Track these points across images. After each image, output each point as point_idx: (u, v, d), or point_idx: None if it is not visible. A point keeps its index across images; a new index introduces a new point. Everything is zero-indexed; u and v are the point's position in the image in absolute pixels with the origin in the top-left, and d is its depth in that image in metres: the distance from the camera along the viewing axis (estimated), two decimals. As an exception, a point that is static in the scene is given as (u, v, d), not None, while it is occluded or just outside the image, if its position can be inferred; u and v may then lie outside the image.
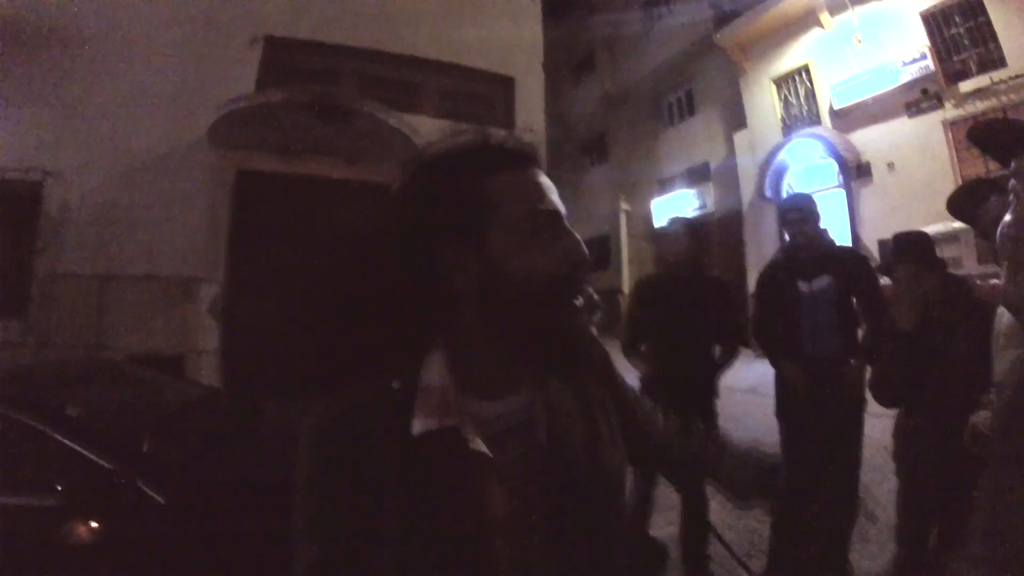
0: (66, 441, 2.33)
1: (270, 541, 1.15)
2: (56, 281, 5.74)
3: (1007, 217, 0.70)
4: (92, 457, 2.32)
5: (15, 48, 5.73)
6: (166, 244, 5.92)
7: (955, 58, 8.48)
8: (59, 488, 2.20)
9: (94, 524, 2.19)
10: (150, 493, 2.29)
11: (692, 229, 3.03)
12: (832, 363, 2.74)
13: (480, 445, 0.68)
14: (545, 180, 0.75)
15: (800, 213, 2.85)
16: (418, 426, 0.67)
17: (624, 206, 16.25)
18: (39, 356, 5.24)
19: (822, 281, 2.79)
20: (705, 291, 2.97)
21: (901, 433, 2.41)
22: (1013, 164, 0.71)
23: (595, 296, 4.98)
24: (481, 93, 8.14)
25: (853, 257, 2.96)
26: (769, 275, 3.03)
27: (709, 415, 2.99)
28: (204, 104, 5.90)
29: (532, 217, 0.71)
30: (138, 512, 2.28)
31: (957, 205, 1.51)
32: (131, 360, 5.11)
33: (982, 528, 0.73)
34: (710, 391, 3.03)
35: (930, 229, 6.53)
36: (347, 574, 0.65)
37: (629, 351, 3.13)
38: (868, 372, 2.60)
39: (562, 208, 0.75)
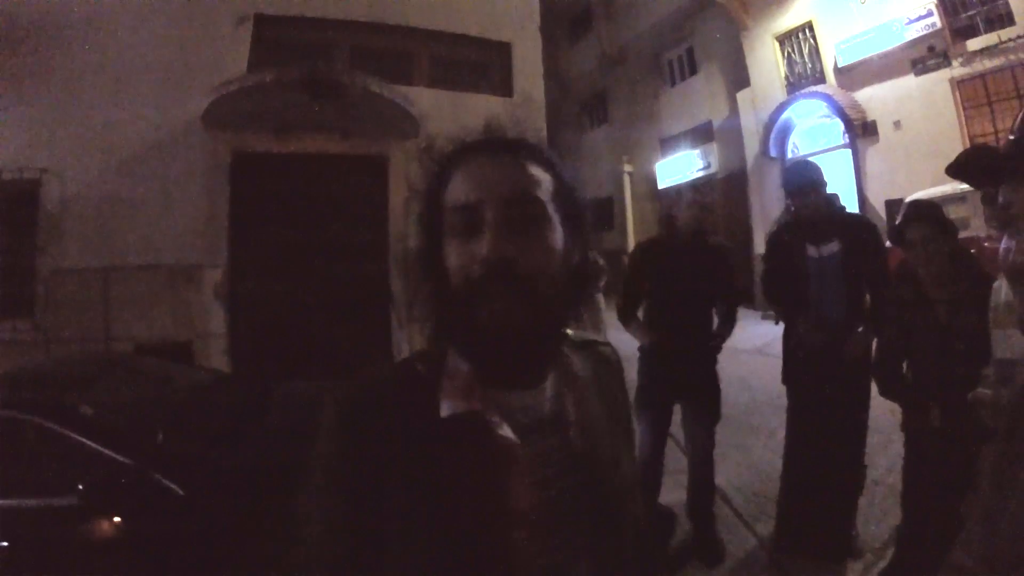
0: (83, 440, 2.37)
1: (284, 525, 1.18)
2: (60, 277, 5.74)
3: (1010, 244, 0.68)
4: (109, 454, 2.37)
5: (0, 47, 5.62)
6: (167, 231, 5.91)
7: (962, 15, 8.23)
8: (80, 487, 2.24)
9: (116, 519, 2.25)
10: (169, 485, 2.34)
11: (701, 196, 3.04)
12: (839, 329, 2.73)
13: (507, 432, 0.67)
14: (474, 170, 0.70)
15: (804, 185, 2.76)
16: (446, 408, 0.67)
17: (627, 167, 16.02)
18: (49, 355, 5.27)
19: (831, 246, 2.76)
20: (707, 257, 2.94)
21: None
22: (1001, 195, 0.69)
23: (600, 261, 4.93)
24: (477, 60, 7.93)
25: (862, 224, 2.93)
26: (777, 237, 3.01)
27: (710, 384, 2.99)
28: (196, 87, 5.80)
29: (447, 216, 0.70)
30: (158, 504, 2.33)
31: (959, 169, 1.51)
32: (140, 350, 5.16)
33: (980, 523, 0.73)
34: (711, 359, 3.02)
35: (937, 189, 6.47)
36: (363, 554, 0.65)
37: (627, 318, 3.04)
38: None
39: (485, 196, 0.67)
